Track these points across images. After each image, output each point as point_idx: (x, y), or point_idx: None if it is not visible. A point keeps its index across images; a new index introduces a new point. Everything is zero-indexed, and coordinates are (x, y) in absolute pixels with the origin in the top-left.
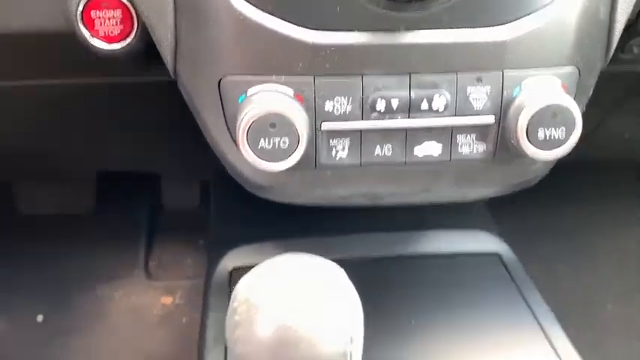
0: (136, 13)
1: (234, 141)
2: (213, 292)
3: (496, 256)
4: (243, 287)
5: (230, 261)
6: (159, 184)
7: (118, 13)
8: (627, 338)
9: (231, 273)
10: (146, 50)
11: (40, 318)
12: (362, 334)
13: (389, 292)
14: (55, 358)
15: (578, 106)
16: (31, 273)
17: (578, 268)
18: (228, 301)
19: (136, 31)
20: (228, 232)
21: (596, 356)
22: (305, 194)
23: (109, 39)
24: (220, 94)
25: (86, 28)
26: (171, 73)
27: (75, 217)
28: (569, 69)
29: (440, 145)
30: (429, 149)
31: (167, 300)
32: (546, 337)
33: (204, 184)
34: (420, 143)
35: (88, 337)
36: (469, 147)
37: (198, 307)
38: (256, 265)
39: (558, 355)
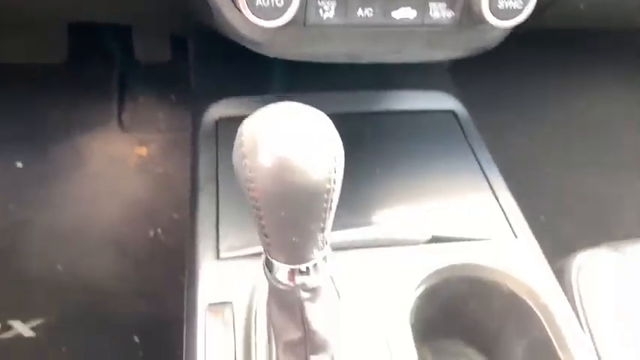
0: None
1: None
2: (202, 139)
3: (451, 114)
4: (248, 126)
5: (215, 112)
6: (131, 37)
7: None
8: (561, 194)
9: (217, 122)
10: None
11: (19, 164)
12: (342, 166)
13: (357, 144)
14: (39, 201)
15: None
16: (6, 122)
17: (526, 133)
18: (216, 147)
19: None
20: (211, 85)
21: (532, 206)
22: (294, 50)
23: None
24: None
25: None
26: None
27: (47, 68)
28: None
29: (414, 11)
30: (405, 13)
31: (142, 151)
32: (490, 187)
33: (175, 40)
34: (397, 8)
35: (67, 184)
36: (439, 13)
37: (172, 158)
38: (240, 115)
39: (499, 203)
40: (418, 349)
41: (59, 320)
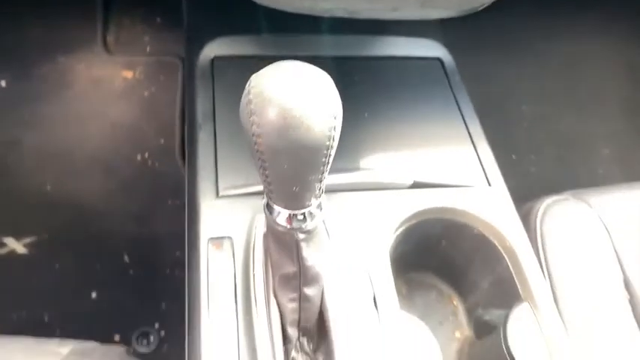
0: None
1: None
2: (199, 78)
3: (438, 61)
4: (256, 83)
5: (211, 50)
6: None
7: None
8: (535, 131)
9: (212, 61)
10: None
11: (3, 83)
12: (341, 124)
13: (347, 88)
14: (23, 122)
15: None
16: None
17: (506, 72)
18: (212, 85)
19: None
20: (205, 23)
21: (506, 146)
22: (296, 3)
23: None
24: None
25: None
26: None
27: None
28: None
29: None
30: None
31: (128, 74)
32: (470, 138)
33: None
34: None
35: (54, 104)
36: None
37: (157, 82)
38: (236, 55)
39: (477, 153)
40: (395, 280)
41: (51, 238)
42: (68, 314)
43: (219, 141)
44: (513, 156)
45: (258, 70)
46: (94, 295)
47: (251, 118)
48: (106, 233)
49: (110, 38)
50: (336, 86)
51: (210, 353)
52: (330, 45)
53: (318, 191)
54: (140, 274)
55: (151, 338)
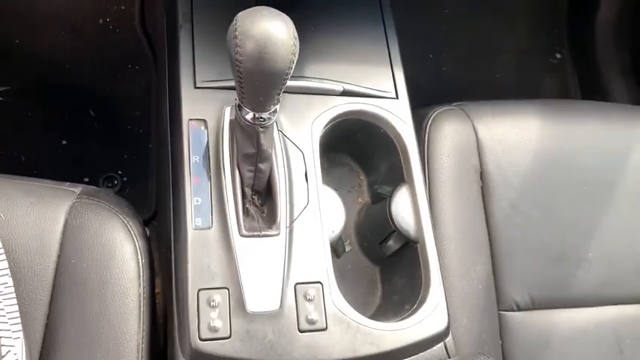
0: None
1: None
2: (182, 36)
3: None
4: (241, 23)
5: None
6: None
7: None
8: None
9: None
10: None
11: None
12: (297, 56)
13: (297, 9)
14: None
15: None
16: None
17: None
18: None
19: None
20: None
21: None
22: None
23: None
24: None
25: None
26: None
27: None
28: None
29: None
30: None
31: None
32: (389, 58)
33: None
34: None
35: None
36: None
37: None
38: None
39: (392, 72)
40: (320, 158)
41: (22, 88)
42: (43, 156)
43: (197, 41)
44: (430, 55)
45: None
46: (64, 142)
47: (236, 49)
48: (73, 88)
49: None
50: (293, 8)
51: (192, 205)
52: None
53: (276, 100)
54: (104, 128)
55: (115, 182)
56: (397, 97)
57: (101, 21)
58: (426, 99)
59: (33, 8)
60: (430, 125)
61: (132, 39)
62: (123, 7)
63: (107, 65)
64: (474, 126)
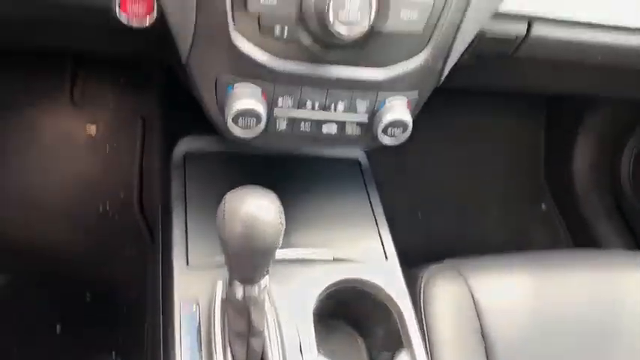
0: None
1: (220, 111)
2: (174, 171)
3: (357, 162)
4: (229, 203)
5: (184, 146)
6: None
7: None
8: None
9: (184, 157)
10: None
11: None
12: (284, 232)
13: (284, 181)
14: None
15: (413, 114)
16: None
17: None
18: (184, 175)
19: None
20: (180, 120)
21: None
22: (260, 144)
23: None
24: (216, 84)
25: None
26: (183, 61)
27: None
28: (414, 93)
29: (336, 127)
30: (330, 129)
31: (91, 127)
32: (376, 224)
33: None
34: (326, 124)
35: (19, 154)
36: (352, 130)
37: (118, 137)
38: (205, 151)
39: (380, 236)
40: (315, 325)
41: (17, 278)
42: (35, 347)
43: (189, 223)
44: (419, 214)
45: (224, 166)
46: (58, 326)
47: (224, 229)
48: (69, 273)
49: (77, 92)
50: (275, 181)
51: None
52: None
53: (265, 272)
54: (100, 310)
55: None
56: (386, 259)
57: (100, 209)
58: (416, 257)
59: (32, 200)
60: (424, 286)
61: (130, 223)
62: (122, 195)
63: (105, 249)
64: (468, 285)
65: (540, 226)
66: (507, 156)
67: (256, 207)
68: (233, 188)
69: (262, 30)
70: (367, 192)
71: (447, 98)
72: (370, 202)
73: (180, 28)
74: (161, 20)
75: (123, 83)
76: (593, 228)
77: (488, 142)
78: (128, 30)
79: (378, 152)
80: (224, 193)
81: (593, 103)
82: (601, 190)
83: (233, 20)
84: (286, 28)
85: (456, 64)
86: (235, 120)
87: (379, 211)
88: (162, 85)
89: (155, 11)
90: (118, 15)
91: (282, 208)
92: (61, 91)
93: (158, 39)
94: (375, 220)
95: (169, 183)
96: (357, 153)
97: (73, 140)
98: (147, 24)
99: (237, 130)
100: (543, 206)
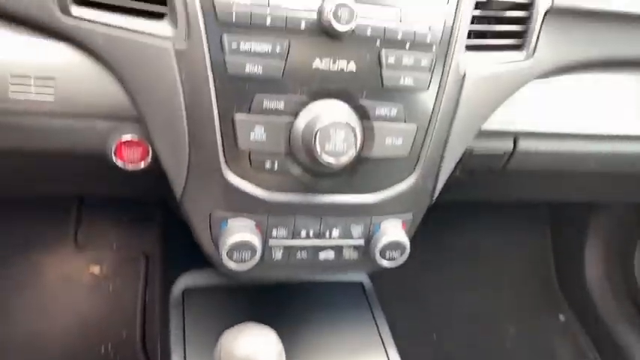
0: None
1: (215, 246)
2: (172, 307)
3: (360, 285)
4: (225, 343)
5: (183, 283)
6: None
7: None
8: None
9: (183, 293)
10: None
11: None
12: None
13: (287, 308)
14: None
15: (409, 234)
16: None
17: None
18: (183, 313)
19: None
20: (179, 257)
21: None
22: (255, 276)
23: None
24: (210, 220)
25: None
26: (177, 199)
27: None
28: (408, 215)
29: (333, 252)
30: (328, 255)
31: (95, 268)
32: (384, 347)
33: None
34: (322, 250)
35: (23, 297)
36: (349, 255)
37: (122, 276)
38: (203, 286)
39: (386, 352)
40: None
41: None
42: None
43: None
44: (434, 335)
45: (224, 300)
46: None
47: None
48: None
49: (81, 235)
50: (281, 313)
51: None
52: None
53: None
54: None
55: None
56: None
57: (103, 350)
58: None
59: (35, 342)
60: None
61: None
62: (124, 335)
63: None
64: None
65: (564, 337)
66: (515, 270)
67: (252, 348)
68: (232, 323)
69: (253, 165)
70: (373, 316)
71: (445, 216)
72: (377, 328)
73: (173, 169)
74: (155, 162)
75: (126, 221)
76: (618, 338)
77: (494, 259)
78: (125, 173)
79: (379, 275)
80: (223, 330)
81: (597, 207)
82: (617, 295)
83: (225, 158)
84: (277, 161)
85: (447, 181)
86: (230, 254)
87: (387, 337)
88: (163, 222)
89: (150, 156)
90: (114, 161)
91: (281, 347)
92: (66, 235)
93: (154, 179)
94: (384, 347)
95: (168, 323)
96: (360, 275)
97: (76, 281)
98: (142, 167)
99: (231, 265)
100: (562, 317)
